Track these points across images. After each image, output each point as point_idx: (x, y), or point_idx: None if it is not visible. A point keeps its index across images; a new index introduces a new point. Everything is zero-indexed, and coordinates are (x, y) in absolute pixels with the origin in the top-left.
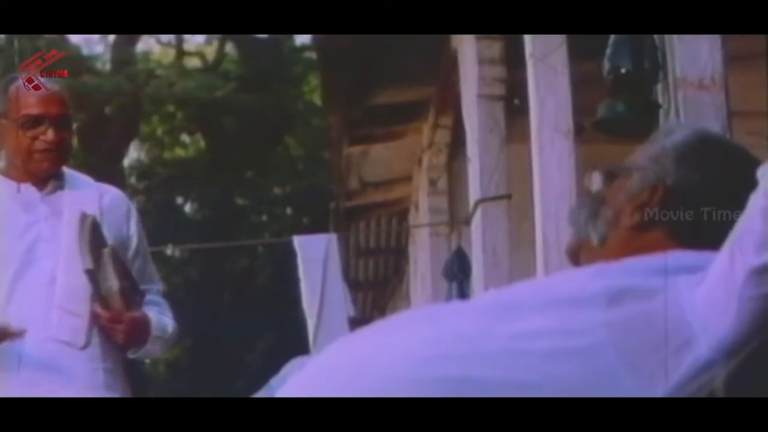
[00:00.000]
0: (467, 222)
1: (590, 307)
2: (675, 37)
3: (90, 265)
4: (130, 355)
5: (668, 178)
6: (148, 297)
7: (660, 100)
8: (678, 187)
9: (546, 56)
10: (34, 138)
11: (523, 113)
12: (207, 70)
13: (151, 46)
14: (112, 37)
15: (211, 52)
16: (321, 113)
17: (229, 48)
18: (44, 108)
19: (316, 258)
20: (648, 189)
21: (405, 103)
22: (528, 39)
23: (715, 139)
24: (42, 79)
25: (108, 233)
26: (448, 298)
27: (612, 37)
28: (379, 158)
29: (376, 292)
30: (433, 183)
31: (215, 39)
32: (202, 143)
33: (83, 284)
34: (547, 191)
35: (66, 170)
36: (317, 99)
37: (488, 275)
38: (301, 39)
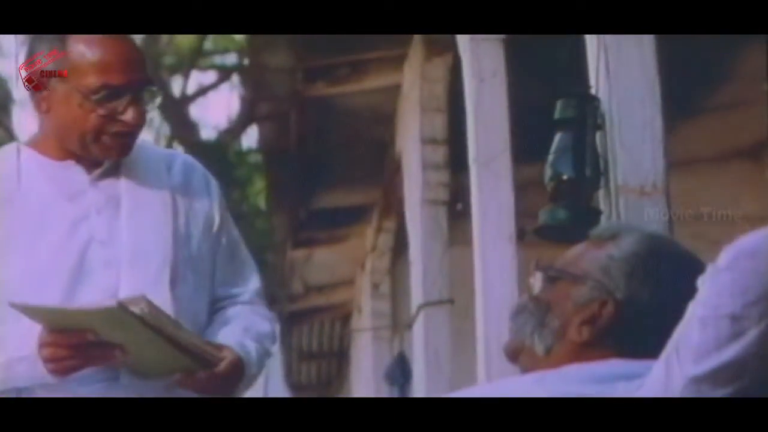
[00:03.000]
0: (409, 326)
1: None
2: (617, 144)
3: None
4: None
5: (618, 292)
6: (233, 310)
7: (601, 206)
8: (628, 302)
9: (489, 161)
10: (108, 116)
11: (466, 217)
12: None
13: None
14: None
15: None
16: (265, 216)
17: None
18: (128, 76)
19: None
20: (597, 302)
21: (349, 207)
22: (471, 144)
23: (666, 248)
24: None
25: (185, 219)
26: None
27: (554, 143)
28: (322, 262)
29: (318, 395)
30: (376, 287)
31: (162, 139)
32: None
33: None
34: (490, 296)
35: None
36: (262, 202)
37: (430, 380)
38: (247, 142)
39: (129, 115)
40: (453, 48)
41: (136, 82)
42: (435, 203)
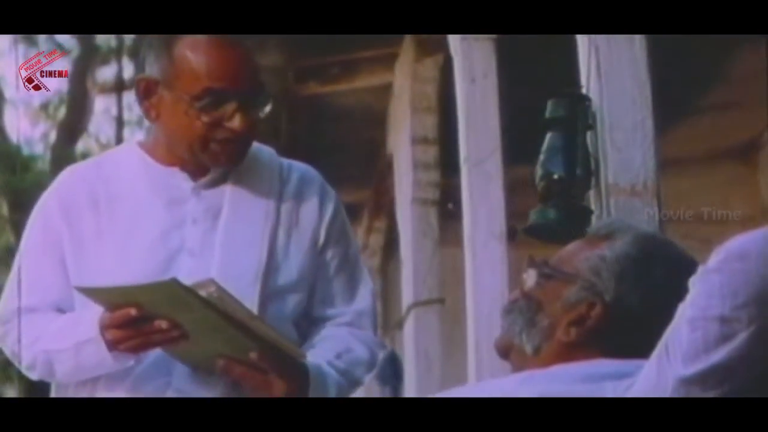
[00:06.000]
0: (400, 326)
1: None
2: (608, 143)
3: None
4: None
5: (607, 294)
6: (329, 331)
7: (592, 206)
8: (617, 305)
9: (480, 161)
10: (215, 124)
11: (456, 217)
12: None
13: (91, 146)
14: (52, 138)
15: None
16: None
17: None
18: (232, 81)
19: None
20: (585, 303)
21: None
22: (462, 144)
23: (660, 250)
24: (221, 37)
25: (286, 235)
26: None
27: (545, 143)
28: None
29: None
30: None
31: None
32: None
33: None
34: (480, 295)
35: None
36: None
37: (421, 379)
38: None
39: (236, 122)
40: (444, 48)
41: (242, 88)
42: (425, 203)
